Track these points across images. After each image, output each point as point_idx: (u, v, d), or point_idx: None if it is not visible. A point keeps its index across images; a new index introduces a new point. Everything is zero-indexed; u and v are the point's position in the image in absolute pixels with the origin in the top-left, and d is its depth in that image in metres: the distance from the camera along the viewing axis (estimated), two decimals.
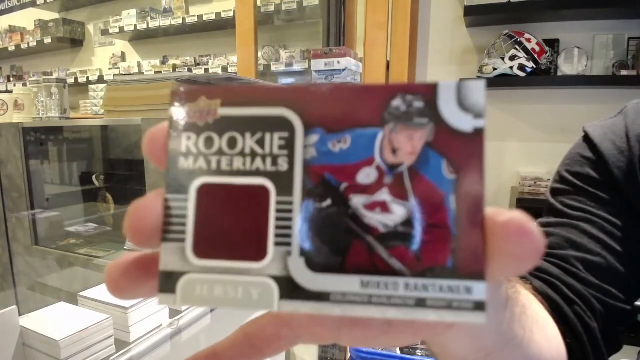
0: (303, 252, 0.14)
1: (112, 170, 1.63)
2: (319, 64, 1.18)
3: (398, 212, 0.14)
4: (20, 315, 0.60)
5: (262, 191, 0.14)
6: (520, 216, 0.14)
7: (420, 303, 0.13)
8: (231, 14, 2.60)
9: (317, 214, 0.14)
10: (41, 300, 1.36)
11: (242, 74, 2.14)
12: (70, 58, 3.69)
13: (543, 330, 0.30)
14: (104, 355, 0.61)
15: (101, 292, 0.70)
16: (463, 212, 0.13)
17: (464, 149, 0.14)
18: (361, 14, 1.87)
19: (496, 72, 1.87)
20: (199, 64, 3.01)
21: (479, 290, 0.13)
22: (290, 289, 0.14)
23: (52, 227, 1.43)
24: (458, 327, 0.19)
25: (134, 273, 0.15)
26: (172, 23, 2.88)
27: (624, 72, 1.78)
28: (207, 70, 2.89)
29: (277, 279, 0.14)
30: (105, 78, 3.33)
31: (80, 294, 0.69)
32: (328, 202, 0.14)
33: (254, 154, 0.14)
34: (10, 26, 3.74)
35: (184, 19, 2.83)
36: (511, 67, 1.84)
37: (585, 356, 0.36)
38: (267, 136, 0.14)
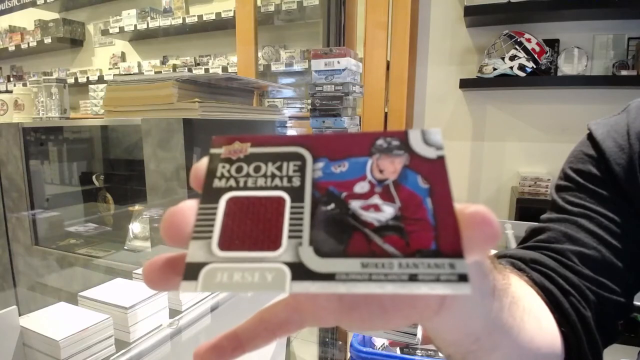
0: (312, 242, 0.17)
1: (112, 170, 1.63)
2: (319, 64, 1.18)
3: (388, 211, 0.17)
4: (20, 315, 0.60)
5: (279, 200, 0.18)
6: (482, 209, 0.17)
7: (413, 278, 0.16)
8: (231, 14, 2.60)
9: (323, 214, 0.18)
10: (41, 300, 1.36)
11: (242, 74, 2.14)
12: (70, 58, 3.69)
13: (536, 320, 0.31)
14: (104, 355, 0.61)
15: (101, 292, 0.70)
16: (438, 209, 0.17)
17: (433, 168, 0.18)
18: (361, 14, 1.86)
19: (496, 72, 1.87)
20: (199, 64, 3.02)
21: (460, 265, 0.16)
22: (300, 271, 0.16)
23: (52, 227, 1.43)
24: (446, 312, 0.22)
25: (166, 270, 0.18)
26: (172, 23, 2.88)
27: (624, 72, 1.78)
28: (207, 70, 2.89)
29: (289, 264, 0.16)
30: (105, 78, 3.34)
31: (80, 294, 0.69)
32: (332, 205, 0.18)
33: (273, 176, 0.18)
34: (10, 26, 3.74)
35: (184, 19, 2.83)
36: (511, 67, 1.84)
37: (579, 344, 0.37)
38: (285, 164, 0.19)
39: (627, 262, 0.41)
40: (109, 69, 3.43)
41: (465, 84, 2.00)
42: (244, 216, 0.18)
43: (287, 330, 0.23)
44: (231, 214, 0.18)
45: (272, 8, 2.48)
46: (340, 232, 0.17)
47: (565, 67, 1.86)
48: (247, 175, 0.19)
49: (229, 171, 0.19)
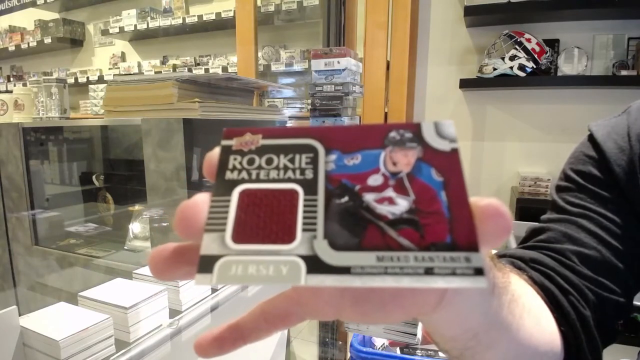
0: (327, 235, 0.17)
1: (112, 170, 1.63)
2: (319, 64, 1.18)
3: (402, 204, 0.17)
4: (20, 315, 0.60)
5: (293, 193, 0.18)
6: (495, 202, 0.17)
7: (429, 271, 0.15)
8: (231, 14, 2.60)
9: (337, 207, 0.17)
10: (41, 300, 1.36)
11: (242, 74, 2.14)
12: (70, 58, 3.69)
13: (535, 319, 0.31)
14: (104, 355, 0.61)
15: (101, 292, 0.70)
16: (453, 202, 0.17)
17: (446, 160, 0.18)
18: (361, 14, 1.87)
19: (496, 72, 1.87)
20: (199, 64, 3.01)
21: (476, 259, 0.16)
22: (315, 265, 0.16)
23: (52, 227, 1.43)
24: (445, 308, 0.22)
25: (172, 259, 0.18)
26: (172, 23, 2.88)
27: (624, 72, 1.78)
28: (207, 70, 2.89)
29: (304, 257, 0.16)
30: (105, 78, 3.34)
31: (80, 294, 0.69)
32: (346, 198, 0.18)
33: (286, 168, 0.18)
34: (10, 26, 3.74)
35: (184, 19, 2.83)
36: (511, 67, 1.84)
37: (578, 343, 0.37)
38: (297, 156, 0.19)
39: (627, 263, 0.41)
40: (109, 69, 3.42)
41: (465, 84, 1.99)
42: (257, 209, 0.17)
43: (288, 323, 0.23)
44: (244, 206, 0.18)
45: (272, 8, 2.48)
46: (355, 225, 0.17)
47: (565, 67, 1.86)
48: (259, 167, 0.18)
49: (240, 163, 0.19)
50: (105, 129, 1.60)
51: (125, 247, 1.29)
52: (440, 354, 1.03)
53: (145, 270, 0.78)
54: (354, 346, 0.99)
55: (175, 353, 0.70)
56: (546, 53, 1.84)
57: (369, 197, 0.17)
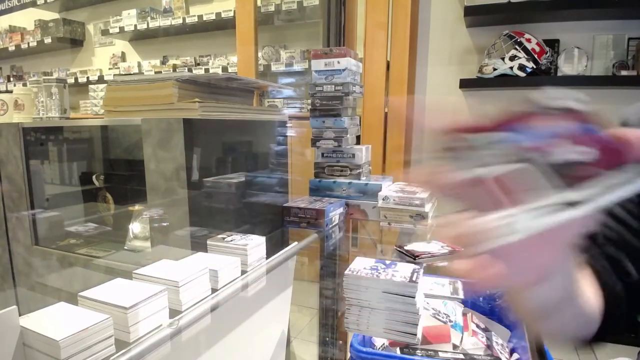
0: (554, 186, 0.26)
1: (112, 170, 1.63)
2: (319, 64, 1.18)
3: (578, 151, 0.26)
4: (20, 315, 0.60)
5: (523, 167, 0.27)
6: (630, 132, 0.27)
7: (612, 189, 0.26)
8: (231, 14, 2.60)
9: (551, 166, 0.26)
10: (41, 300, 1.36)
11: (242, 74, 2.14)
12: (70, 58, 3.70)
13: (588, 288, 0.40)
14: (104, 355, 0.61)
15: (101, 292, 0.70)
16: (607, 142, 0.27)
17: (587, 115, 0.27)
18: (361, 14, 1.87)
19: (496, 72, 1.87)
20: (199, 64, 3.02)
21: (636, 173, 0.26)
22: (558, 207, 0.26)
23: (52, 227, 1.43)
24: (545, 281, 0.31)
25: None
26: (172, 23, 2.88)
27: (624, 72, 1.78)
28: (207, 70, 2.89)
29: (545, 207, 0.26)
30: (105, 78, 3.34)
31: (80, 294, 0.68)
32: (541, 160, 0.26)
33: (506, 154, 0.27)
34: (10, 26, 3.75)
35: (184, 19, 2.84)
36: (511, 67, 1.84)
37: (612, 313, 0.43)
38: (508, 145, 0.27)
39: None
40: (109, 69, 3.43)
41: (465, 84, 2.00)
42: (498, 185, 0.27)
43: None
44: (490, 185, 0.27)
45: (272, 8, 2.48)
46: (558, 171, 0.26)
47: (565, 67, 1.86)
48: (486, 155, 0.28)
49: (460, 154, 0.29)
50: (105, 129, 1.60)
51: (125, 247, 1.29)
52: (440, 354, 1.03)
53: (145, 270, 0.78)
54: (354, 346, 0.99)
55: (175, 353, 0.70)
56: (546, 53, 1.84)
57: (553, 153, 0.26)
